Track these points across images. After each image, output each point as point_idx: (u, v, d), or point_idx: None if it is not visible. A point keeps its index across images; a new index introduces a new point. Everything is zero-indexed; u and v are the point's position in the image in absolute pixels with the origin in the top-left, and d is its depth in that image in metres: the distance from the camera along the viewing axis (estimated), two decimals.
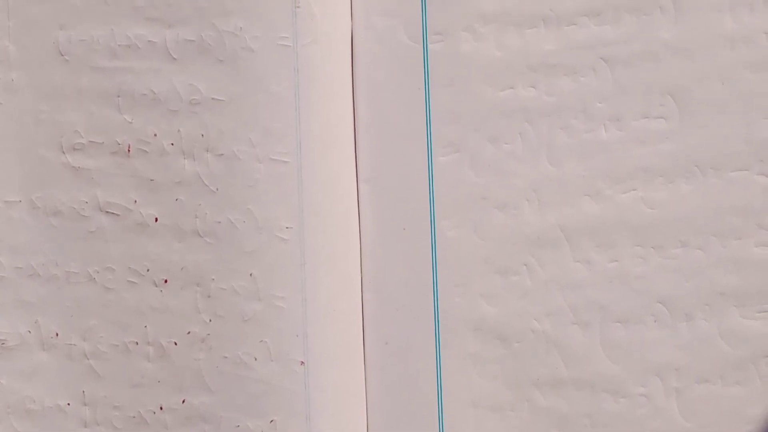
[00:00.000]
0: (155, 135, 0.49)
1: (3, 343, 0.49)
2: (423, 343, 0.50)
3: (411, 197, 0.50)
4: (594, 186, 0.49)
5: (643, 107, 0.49)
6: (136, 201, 0.49)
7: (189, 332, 0.48)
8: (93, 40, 0.49)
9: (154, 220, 0.49)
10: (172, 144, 0.49)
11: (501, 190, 0.50)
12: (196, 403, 0.48)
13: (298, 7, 0.49)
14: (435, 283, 0.50)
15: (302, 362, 0.48)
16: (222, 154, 0.48)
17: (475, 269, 0.50)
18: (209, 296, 0.48)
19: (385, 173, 0.50)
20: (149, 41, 0.49)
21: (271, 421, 0.48)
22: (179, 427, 0.48)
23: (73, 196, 0.49)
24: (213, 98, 0.49)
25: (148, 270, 0.49)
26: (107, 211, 0.49)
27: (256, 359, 0.48)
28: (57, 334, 0.49)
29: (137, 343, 0.49)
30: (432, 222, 0.50)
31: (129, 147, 0.49)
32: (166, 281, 0.49)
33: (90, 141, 0.49)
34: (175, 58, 0.49)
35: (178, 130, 0.49)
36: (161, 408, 0.49)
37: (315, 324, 0.48)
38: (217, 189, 0.48)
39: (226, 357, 0.48)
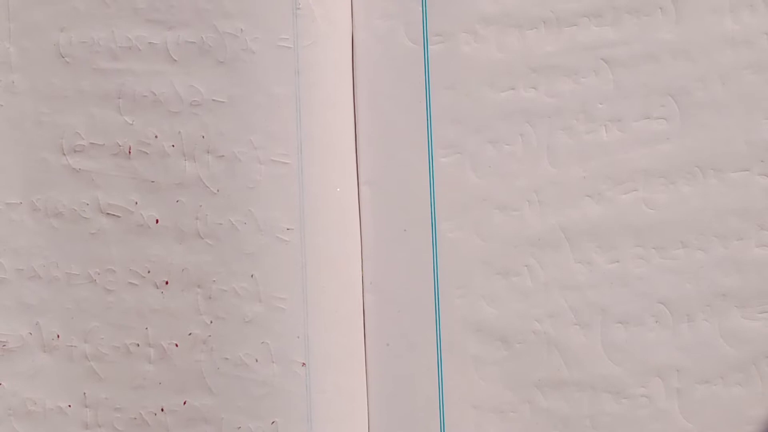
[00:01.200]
0: (156, 136, 0.49)
1: (4, 345, 0.49)
2: (424, 345, 0.50)
3: (412, 199, 0.50)
4: (595, 187, 0.49)
5: (643, 108, 0.49)
6: (136, 203, 0.49)
7: (190, 334, 0.48)
8: (93, 42, 0.49)
9: (155, 221, 0.49)
10: (173, 145, 0.49)
11: (502, 191, 0.50)
12: (198, 404, 0.48)
13: (299, 8, 0.49)
14: (436, 285, 0.50)
15: (303, 364, 0.48)
16: (223, 156, 0.48)
17: (476, 270, 0.50)
18: (210, 298, 0.48)
19: (386, 175, 0.50)
20: (150, 43, 0.49)
21: (273, 422, 0.48)
22: (180, 429, 0.48)
23: (74, 197, 0.49)
24: (213, 100, 0.49)
25: (148, 271, 0.49)
26: (108, 213, 0.49)
27: (257, 361, 0.48)
28: (58, 336, 0.49)
29: (138, 345, 0.49)
30: (433, 223, 0.50)
31: (130, 148, 0.49)
32: (167, 283, 0.49)
33: (91, 143, 0.49)
34: (175, 60, 0.49)
35: (179, 132, 0.49)
36: (162, 410, 0.49)
37: (316, 325, 0.48)
38: (217, 190, 0.48)
39: (227, 358, 0.48)
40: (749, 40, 0.48)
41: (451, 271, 0.50)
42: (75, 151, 0.49)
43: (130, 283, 0.49)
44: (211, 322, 0.48)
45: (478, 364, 0.49)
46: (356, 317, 0.50)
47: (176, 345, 0.48)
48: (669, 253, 0.48)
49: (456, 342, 0.49)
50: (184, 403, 0.48)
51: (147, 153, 0.49)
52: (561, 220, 0.49)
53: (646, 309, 0.48)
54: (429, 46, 0.50)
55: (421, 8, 0.50)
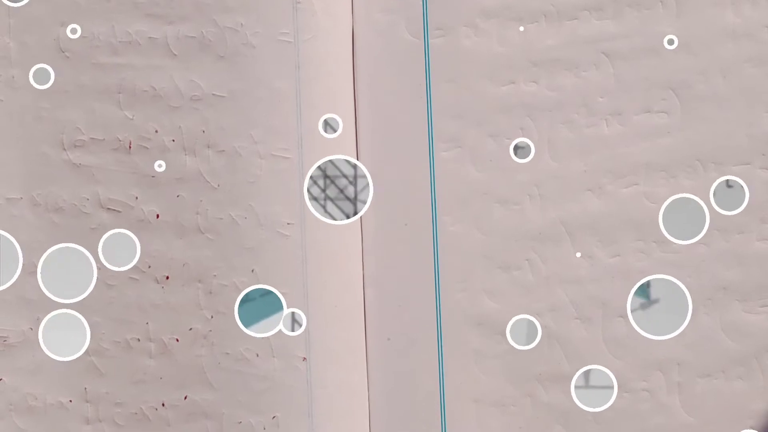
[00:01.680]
0: (156, 131, 0.49)
1: (5, 340, 0.49)
2: (425, 339, 0.50)
3: (412, 192, 0.50)
4: (595, 181, 0.49)
5: (644, 102, 0.49)
6: (137, 197, 0.49)
7: (191, 329, 0.48)
8: (93, 37, 0.49)
9: (156, 216, 0.49)
10: (173, 140, 0.49)
11: (502, 185, 0.50)
12: (198, 399, 0.48)
13: (299, 2, 0.49)
14: (437, 279, 0.50)
15: (304, 358, 0.48)
16: (223, 151, 0.48)
17: (476, 264, 0.50)
18: (211, 292, 0.48)
19: (387, 168, 0.50)
20: (150, 37, 0.49)
21: (273, 417, 0.48)
22: (181, 424, 0.48)
23: (74, 192, 0.49)
24: (214, 94, 0.49)
25: (149, 267, 0.49)
26: (108, 208, 0.49)
27: (257, 355, 0.48)
28: None
29: (139, 340, 0.49)
30: (433, 217, 0.50)
31: (130, 143, 0.49)
32: (167, 278, 0.49)
33: (91, 138, 0.49)
34: (175, 54, 0.49)
35: (179, 127, 0.49)
36: (163, 404, 0.49)
37: (317, 320, 0.48)
38: (218, 185, 0.48)
39: (227, 353, 0.48)
40: (750, 34, 0.48)
41: (451, 265, 0.50)
42: (75, 146, 0.49)
43: (131, 278, 0.49)
44: (212, 316, 0.48)
45: (479, 358, 0.49)
46: (357, 312, 0.50)
47: (177, 340, 0.48)
48: (670, 247, 0.48)
49: (457, 336, 0.49)
50: (185, 397, 0.48)
51: (147, 148, 0.49)
52: (562, 214, 0.49)
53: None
54: (429, 40, 0.50)
55: (421, 2, 0.50)
